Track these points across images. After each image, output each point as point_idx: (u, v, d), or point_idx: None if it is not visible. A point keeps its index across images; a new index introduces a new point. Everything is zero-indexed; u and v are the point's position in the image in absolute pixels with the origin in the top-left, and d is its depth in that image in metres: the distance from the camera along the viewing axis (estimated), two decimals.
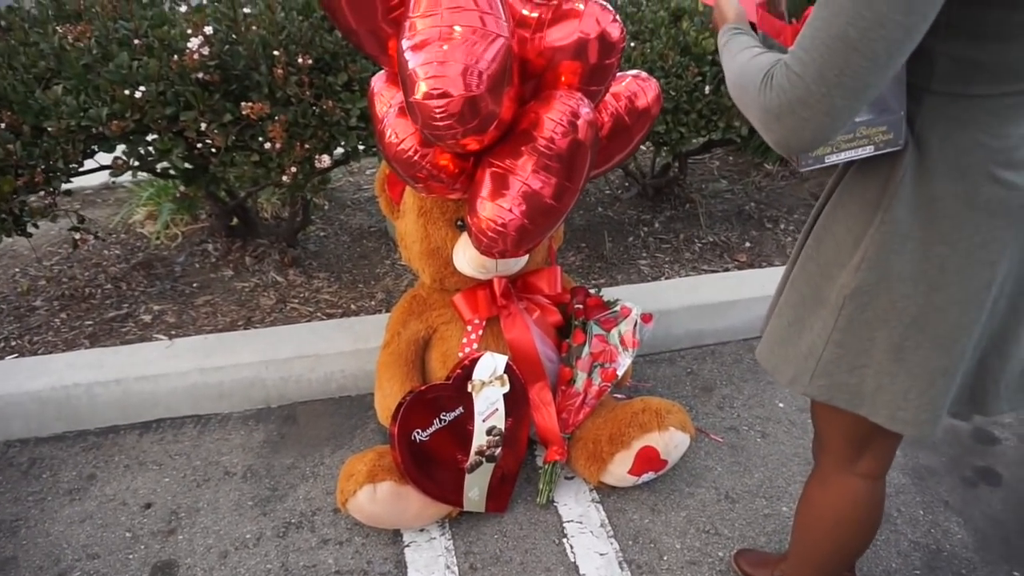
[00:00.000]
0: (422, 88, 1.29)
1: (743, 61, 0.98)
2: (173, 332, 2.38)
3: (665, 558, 1.75)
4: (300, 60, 1.93)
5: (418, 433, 1.71)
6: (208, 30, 1.86)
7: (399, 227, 1.96)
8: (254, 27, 1.96)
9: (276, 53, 1.92)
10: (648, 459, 1.84)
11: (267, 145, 2.00)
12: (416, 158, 1.51)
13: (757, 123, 0.94)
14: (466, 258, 1.81)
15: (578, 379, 1.92)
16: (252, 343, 2.23)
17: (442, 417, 1.75)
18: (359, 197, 3.43)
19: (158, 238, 2.96)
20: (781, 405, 2.22)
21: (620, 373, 1.93)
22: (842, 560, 1.37)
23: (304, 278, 2.69)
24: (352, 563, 1.74)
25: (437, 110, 1.29)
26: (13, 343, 2.35)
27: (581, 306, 2.01)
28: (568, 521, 1.85)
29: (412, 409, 1.70)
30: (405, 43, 1.32)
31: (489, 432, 1.81)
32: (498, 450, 1.83)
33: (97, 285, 2.67)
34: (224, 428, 2.15)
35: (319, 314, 2.47)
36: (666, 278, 2.68)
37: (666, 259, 2.82)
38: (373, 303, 2.52)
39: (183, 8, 2.07)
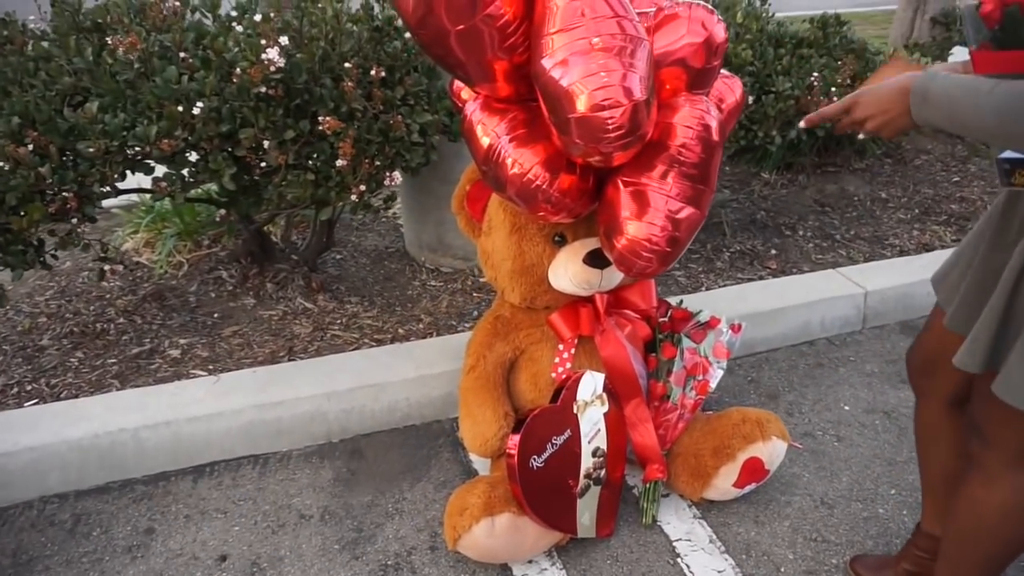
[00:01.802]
0: (588, 101, 1.23)
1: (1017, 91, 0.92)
2: (211, 367, 2.20)
3: (782, 570, 1.72)
4: (373, 72, 1.83)
5: (535, 459, 1.62)
6: (284, 40, 1.73)
7: (483, 245, 1.87)
8: (319, 39, 1.85)
9: (348, 65, 1.81)
10: (753, 470, 1.81)
11: (332, 162, 1.88)
12: (543, 186, 1.44)
13: None
14: (569, 274, 1.74)
15: (673, 394, 1.88)
16: (307, 374, 2.09)
17: (553, 441, 1.67)
18: (363, 219, 3.30)
19: (162, 267, 2.75)
20: (847, 408, 2.24)
21: (714, 385, 1.90)
22: (1006, 560, 1.37)
23: (336, 303, 2.55)
24: None
25: (609, 121, 1.24)
26: (29, 387, 2.12)
27: (667, 319, 1.97)
28: (676, 540, 1.79)
29: (528, 435, 1.62)
30: (547, 62, 1.27)
31: (594, 454, 1.74)
32: (603, 472, 1.76)
33: (108, 320, 2.45)
34: (286, 468, 1.99)
35: (366, 340, 2.33)
36: (705, 289, 2.68)
37: (699, 269, 2.82)
38: (421, 326, 2.41)
39: (237, 26, 1.92)
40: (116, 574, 1.68)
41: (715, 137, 1.45)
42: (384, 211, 2.30)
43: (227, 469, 1.98)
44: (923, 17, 4.38)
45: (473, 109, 1.53)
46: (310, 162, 1.97)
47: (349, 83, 1.82)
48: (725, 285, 2.69)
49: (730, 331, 1.94)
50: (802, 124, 1.32)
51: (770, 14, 2.83)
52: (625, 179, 1.46)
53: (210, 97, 1.84)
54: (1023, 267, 1.15)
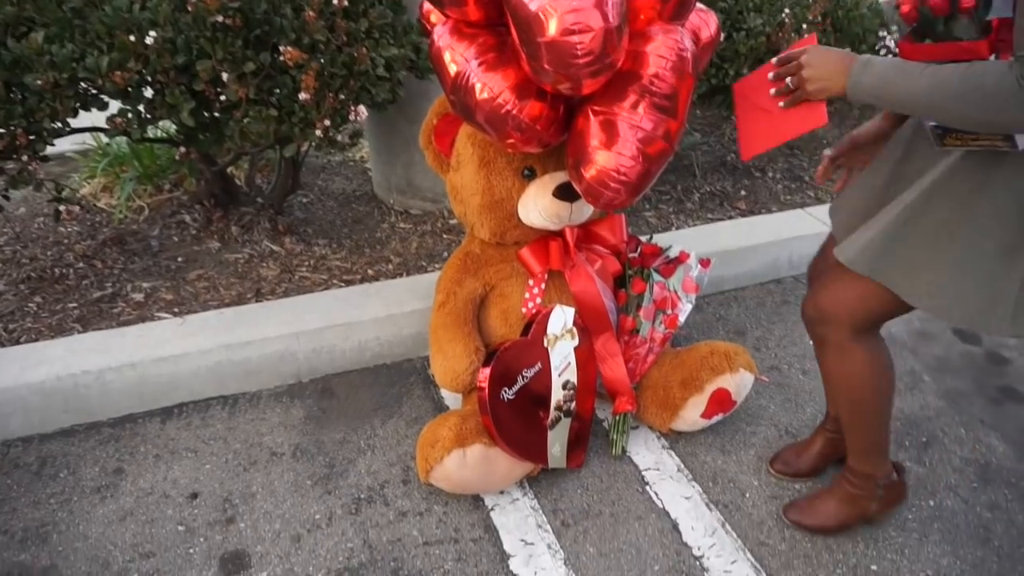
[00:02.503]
0: (559, 25, 1.20)
1: (953, 76, 1.06)
2: (176, 310, 2.17)
3: (747, 495, 1.77)
4: (336, 2, 1.76)
5: (505, 391, 1.63)
6: None
7: (452, 180, 1.84)
8: None
9: None
10: (720, 401, 1.84)
11: (295, 97, 1.82)
12: (513, 111, 1.41)
13: (1014, 121, 1.04)
14: (539, 208, 1.73)
15: (642, 328, 1.89)
16: (275, 315, 2.06)
17: (524, 374, 1.68)
18: (330, 161, 3.23)
19: (121, 212, 2.68)
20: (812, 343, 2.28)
21: (682, 320, 1.91)
22: (885, 404, 1.52)
23: (303, 246, 2.51)
24: (439, 532, 1.65)
25: (579, 46, 1.21)
26: None
27: (637, 255, 1.98)
28: (646, 469, 1.83)
29: (499, 368, 1.62)
30: None
31: (564, 386, 1.76)
32: (573, 404, 1.78)
33: (67, 265, 2.38)
34: (256, 407, 1.98)
35: (335, 281, 2.31)
36: (675, 228, 2.69)
37: (670, 210, 2.82)
38: (391, 267, 2.39)
39: None
40: (85, 514, 1.67)
41: (689, 69, 1.43)
42: (350, 147, 2.24)
43: (196, 410, 1.96)
44: None
45: (441, 34, 1.49)
46: (272, 97, 1.91)
47: (311, 13, 1.75)
48: (695, 225, 2.70)
49: (699, 266, 1.95)
50: (774, 60, 1.34)
51: None
52: (595, 108, 1.44)
53: (164, 27, 1.76)
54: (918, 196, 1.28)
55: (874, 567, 1.61)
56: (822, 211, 2.75)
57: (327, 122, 1.86)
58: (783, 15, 2.46)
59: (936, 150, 1.22)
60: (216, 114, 1.98)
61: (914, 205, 1.28)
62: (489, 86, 1.40)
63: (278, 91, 1.89)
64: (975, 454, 1.91)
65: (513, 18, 1.30)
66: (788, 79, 1.29)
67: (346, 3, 1.79)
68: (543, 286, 1.85)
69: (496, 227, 1.81)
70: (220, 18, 1.75)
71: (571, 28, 1.21)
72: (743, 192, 2.97)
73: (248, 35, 1.83)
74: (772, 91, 1.32)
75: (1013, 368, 2.23)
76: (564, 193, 1.72)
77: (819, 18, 2.47)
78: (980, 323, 1.28)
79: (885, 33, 2.82)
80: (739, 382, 1.84)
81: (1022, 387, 2.15)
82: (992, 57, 1.08)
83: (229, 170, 2.68)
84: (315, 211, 2.78)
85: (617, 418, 1.87)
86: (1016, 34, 1.02)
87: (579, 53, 1.23)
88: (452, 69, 1.45)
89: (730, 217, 2.78)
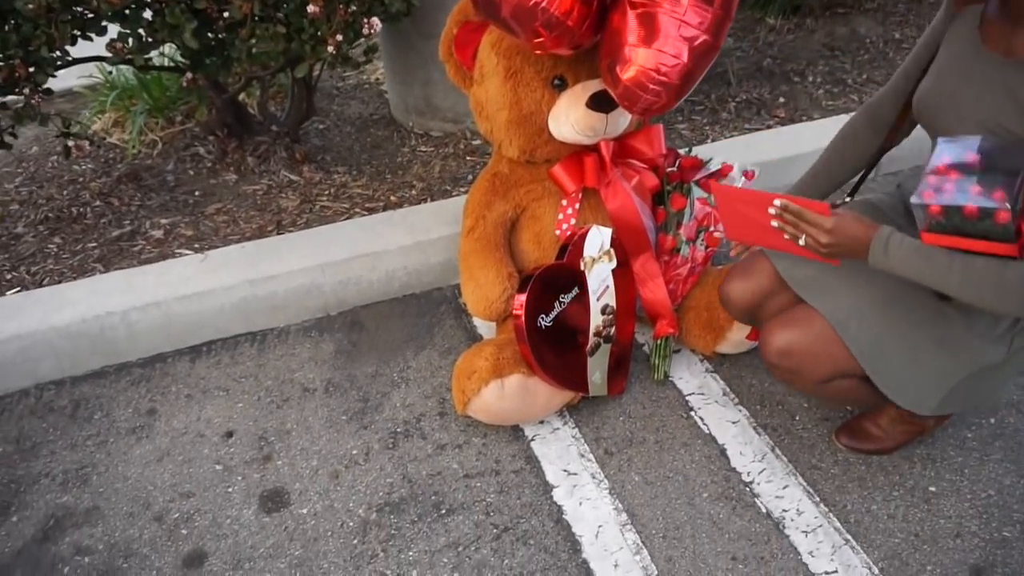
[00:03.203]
0: None
1: (987, 275, 1.12)
2: (196, 246, 2.10)
3: (797, 418, 1.70)
4: None
5: (543, 319, 1.55)
6: None
7: (476, 95, 1.71)
8: None
9: None
10: None
11: (303, 11, 1.69)
12: (543, 3, 1.27)
13: None
14: (571, 120, 1.61)
15: (683, 247, 1.79)
16: (299, 247, 1.99)
17: (561, 299, 1.60)
18: (344, 85, 3.09)
19: (134, 147, 2.59)
20: None
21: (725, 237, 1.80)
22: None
23: (323, 174, 2.41)
24: (480, 464, 1.61)
25: None
26: (9, 276, 2.02)
27: (676, 169, 1.85)
28: (690, 394, 1.76)
29: (534, 294, 1.54)
30: None
31: (603, 311, 1.67)
32: (612, 329, 1.70)
33: (84, 203, 2.32)
34: (285, 343, 1.93)
35: (357, 210, 2.22)
36: (711, 140, 2.54)
37: (704, 121, 2.67)
38: (414, 193, 2.29)
39: None
40: (123, 455, 1.65)
41: None
42: (365, 64, 2.11)
43: (224, 348, 1.92)
44: None
45: None
46: (279, 12, 1.78)
47: None
48: (731, 136, 2.55)
49: (744, 177, 1.83)
50: (777, 202, 1.23)
51: None
52: (634, 1, 1.29)
53: None
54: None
55: (932, 488, 1.54)
56: None
57: (339, 37, 1.73)
58: None
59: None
60: (221, 35, 1.86)
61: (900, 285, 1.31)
62: None
63: (285, 6, 1.76)
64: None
65: None
66: (802, 239, 1.23)
67: None
68: (577, 206, 1.74)
69: (526, 143, 1.69)
70: None
71: None
72: (782, 99, 2.79)
73: None
74: (775, 224, 1.25)
75: None
76: (599, 103, 1.59)
77: None
78: (914, 403, 1.35)
79: None
80: None
81: None
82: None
83: (240, 98, 2.56)
84: (332, 138, 2.66)
85: (659, 342, 1.79)
86: None
87: None
88: None
89: (768, 126, 2.61)
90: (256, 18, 1.74)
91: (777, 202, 1.23)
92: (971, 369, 1.32)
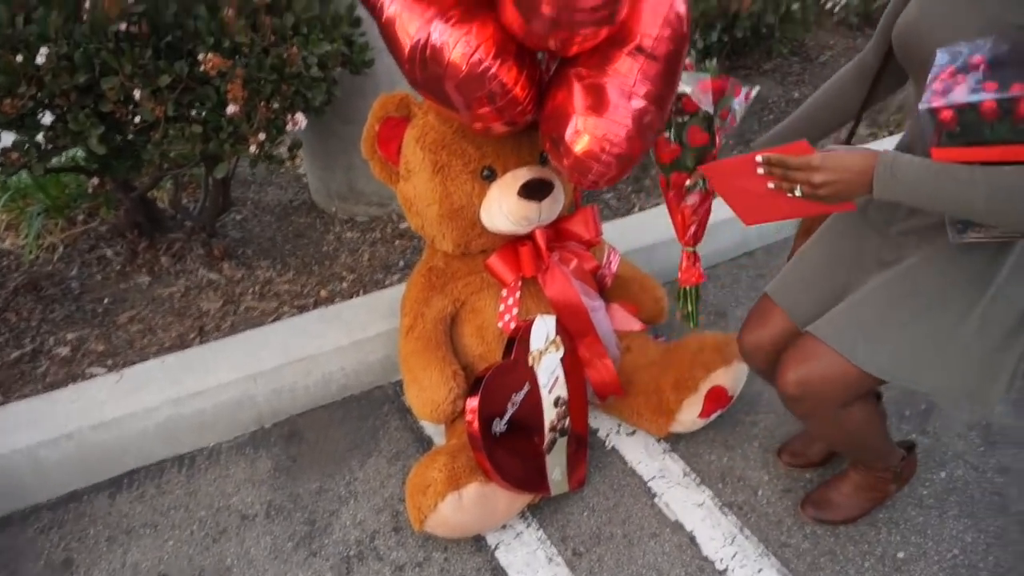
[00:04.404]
0: None
1: (1015, 182, 1.00)
2: (110, 362, 1.93)
3: (760, 492, 1.68)
4: None
5: (496, 423, 1.48)
6: None
7: (403, 191, 1.66)
8: None
9: None
10: (717, 398, 1.73)
11: (221, 109, 1.60)
12: (492, 69, 1.23)
13: None
14: (504, 211, 1.57)
15: (700, 184, 1.58)
16: (226, 356, 1.85)
17: (513, 400, 1.53)
18: (260, 171, 2.98)
19: (31, 252, 2.39)
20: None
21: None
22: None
23: (245, 270, 2.28)
24: None
25: None
26: None
27: (691, 92, 1.51)
28: (651, 479, 1.71)
29: (486, 398, 1.47)
30: None
31: (556, 403, 1.62)
32: (566, 421, 1.65)
33: None
34: (217, 464, 1.78)
35: (287, 308, 2.10)
36: (639, 209, 2.56)
37: (629, 189, 2.70)
38: (345, 285, 2.19)
39: None
40: None
41: (685, 28, 1.29)
42: (290, 160, 2.02)
43: (148, 477, 1.75)
44: None
45: (392, 1, 1.30)
46: (194, 111, 1.68)
47: (230, 11, 1.53)
48: (658, 203, 2.58)
49: (743, 99, 1.59)
50: (758, 158, 1.17)
51: None
52: (580, 72, 1.28)
53: (57, 41, 1.51)
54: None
55: (901, 554, 1.54)
56: None
57: (262, 136, 1.65)
58: None
59: (951, 241, 1.16)
60: (131, 136, 1.74)
61: (897, 289, 1.28)
62: (464, 41, 1.22)
63: (201, 104, 1.67)
64: (975, 416, 1.86)
65: None
66: (797, 188, 1.14)
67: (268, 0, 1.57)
68: (518, 295, 1.70)
69: (459, 237, 1.64)
70: (123, 26, 1.51)
71: None
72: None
73: (158, 43, 1.60)
74: (771, 185, 1.17)
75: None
76: (531, 192, 1.56)
77: None
78: (979, 398, 1.28)
79: None
80: (734, 375, 1.73)
81: None
82: None
83: (150, 193, 2.42)
84: (252, 228, 2.54)
85: (687, 290, 1.69)
86: None
87: None
88: (410, 37, 1.27)
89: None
90: (170, 118, 1.63)
91: (758, 158, 1.15)
92: (1002, 332, 1.23)
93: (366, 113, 1.62)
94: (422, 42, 1.24)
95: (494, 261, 1.66)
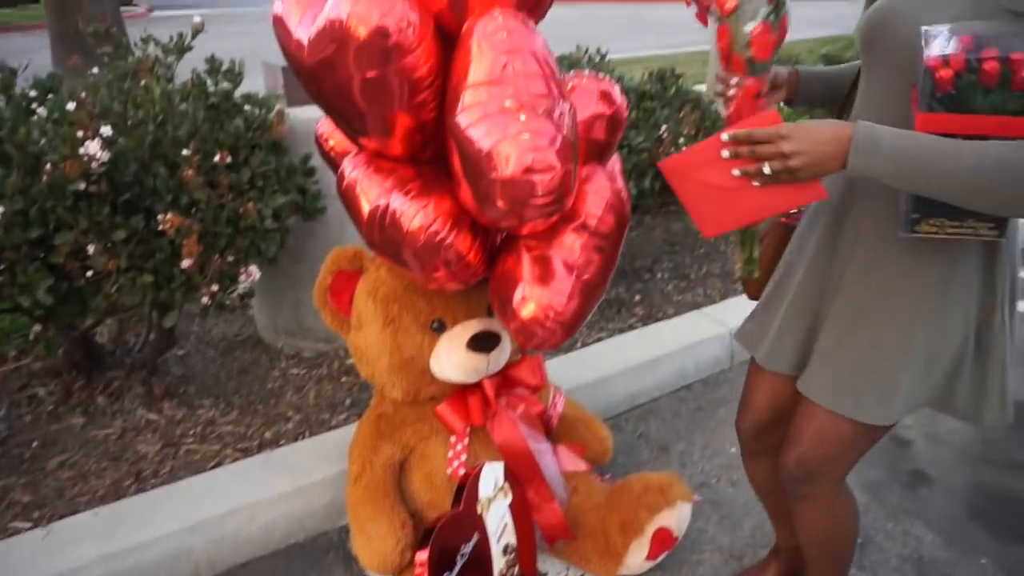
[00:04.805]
0: (518, 162, 1.13)
1: (1014, 153, 0.95)
2: (36, 515, 1.84)
3: None
4: (218, 157, 1.62)
5: None
6: (106, 131, 1.49)
7: (354, 341, 1.70)
8: (147, 122, 1.62)
9: (186, 152, 1.59)
10: (663, 540, 1.76)
11: (175, 260, 1.64)
12: (448, 240, 1.32)
13: None
14: (453, 362, 1.63)
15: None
16: (164, 506, 1.79)
17: (463, 552, 1.53)
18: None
19: None
20: (734, 450, 2.28)
21: None
22: (854, 545, 1.50)
23: (186, 410, 2.25)
24: None
25: (539, 186, 1.14)
26: None
27: None
28: None
29: (436, 551, 1.46)
30: (467, 117, 1.15)
31: (505, 551, 1.63)
32: (515, 569, 1.65)
33: None
34: None
35: (229, 451, 2.06)
36: (581, 344, 2.65)
37: None
38: (290, 426, 2.17)
39: (42, 110, 1.64)
40: None
41: (627, 210, 1.41)
42: (242, 310, 2.05)
43: None
44: None
45: (354, 166, 1.38)
46: (148, 262, 1.71)
47: (189, 171, 1.60)
48: (600, 338, 2.68)
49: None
50: (725, 136, 1.10)
51: (611, 68, 2.91)
52: (529, 244, 1.38)
53: (12, 198, 1.55)
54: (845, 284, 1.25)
55: None
56: (717, 310, 2.83)
57: (214, 287, 1.68)
58: (660, 131, 2.56)
59: (900, 234, 1.11)
60: (81, 284, 1.75)
61: (846, 322, 1.25)
62: (422, 213, 1.31)
63: (155, 255, 1.70)
64: (907, 548, 1.93)
65: (461, 153, 1.21)
66: (766, 165, 1.06)
67: (229, 159, 1.65)
68: (466, 441, 1.73)
69: (409, 386, 1.68)
70: (83, 185, 1.56)
71: (532, 167, 1.14)
72: (638, 296, 3.01)
73: (116, 199, 1.64)
74: (736, 171, 1.09)
75: (916, 450, 2.32)
76: (479, 344, 1.63)
77: (693, 131, 2.59)
78: (971, 416, 1.26)
79: None
80: (678, 516, 1.77)
81: (928, 469, 2.24)
82: None
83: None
84: (194, 365, 2.52)
85: (746, 233, 1.38)
86: None
87: (539, 192, 1.16)
88: (370, 203, 1.35)
89: (631, 325, 2.79)
90: (122, 269, 1.66)
91: (725, 136, 1.08)
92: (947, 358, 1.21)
93: (316, 253, 1.68)
94: (381, 209, 1.33)
95: (443, 409, 1.70)
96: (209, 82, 1.93)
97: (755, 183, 1.09)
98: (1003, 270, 1.19)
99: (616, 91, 1.45)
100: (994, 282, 1.19)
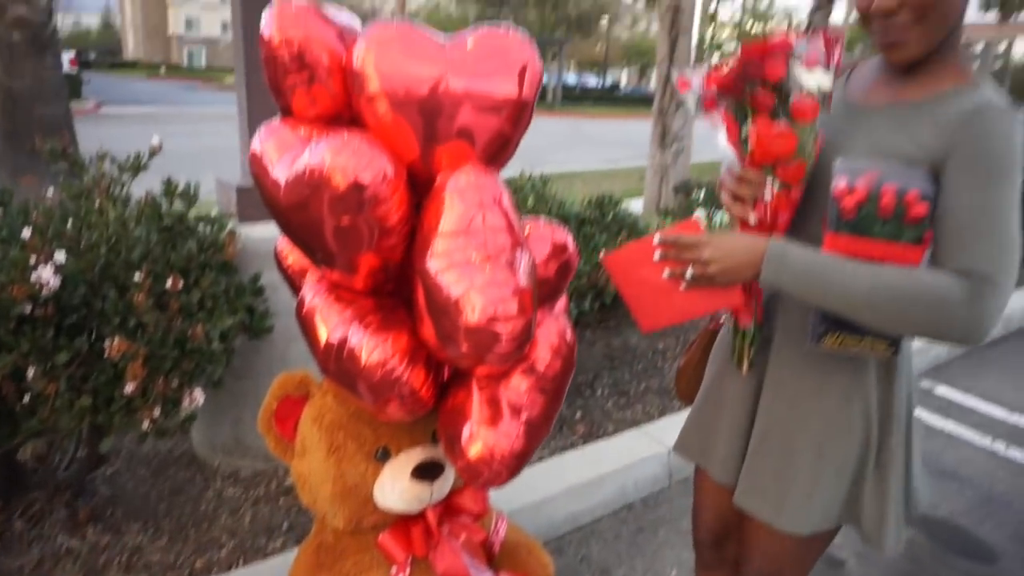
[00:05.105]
0: (483, 312, 1.19)
1: (905, 280, 1.06)
2: None
3: None
4: (170, 283, 1.64)
5: None
6: (60, 257, 1.50)
7: (297, 468, 1.69)
8: (99, 245, 1.64)
9: (138, 276, 1.61)
10: None
11: (116, 383, 1.63)
12: (403, 376, 1.35)
13: (951, 333, 1.06)
14: (396, 491, 1.62)
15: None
16: None
17: None
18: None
19: None
20: (674, 572, 2.29)
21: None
22: None
23: (111, 535, 2.15)
24: None
25: (503, 335, 1.20)
26: None
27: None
28: None
29: None
30: (436, 263, 1.22)
31: None
32: None
33: None
34: None
35: None
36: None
37: None
38: (224, 553, 2.09)
39: None
40: None
41: (573, 356, 1.48)
42: (183, 433, 2.02)
43: None
44: (667, 185, 5.06)
45: (314, 293, 1.42)
46: (87, 384, 1.69)
47: (140, 295, 1.61)
48: (542, 457, 2.70)
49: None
50: (656, 240, 1.19)
51: (552, 194, 3.08)
52: (481, 382, 1.42)
53: None
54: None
55: None
56: (656, 428, 2.90)
57: (156, 411, 1.67)
58: (599, 256, 2.70)
59: (807, 344, 1.21)
60: (14, 407, 1.70)
61: (762, 433, 1.33)
62: (380, 349, 1.34)
63: (96, 377, 1.68)
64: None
65: (429, 301, 1.26)
66: (689, 270, 1.17)
67: (181, 283, 1.68)
68: (407, 571, 1.70)
69: (351, 515, 1.66)
70: (28, 308, 1.56)
71: (496, 316, 1.20)
72: (579, 413, 3.06)
73: (61, 321, 1.64)
74: (666, 273, 1.20)
75: (847, 571, 2.38)
76: (424, 473, 1.64)
77: None
78: (872, 538, 1.30)
79: None
80: None
81: None
82: (922, 265, 1.10)
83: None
84: (123, 484, 2.42)
85: (745, 331, 1.38)
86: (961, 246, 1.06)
87: (503, 340, 1.22)
88: (328, 332, 1.37)
89: (572, 444, 2.82)
90: (60, 391, 1.63)
91: (656, 239, 1.18)
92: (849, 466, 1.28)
93: (260, 369, 1.68)
94: (339, 340, 1.37)
95: (385, 539, 1.68)
96: (164, 204, 1.98)
97: (681, 285, 1.20)
98: (899, 391, 1.29)
99: (569, 240, 1.56)
100: (891, 401, 1.29)
